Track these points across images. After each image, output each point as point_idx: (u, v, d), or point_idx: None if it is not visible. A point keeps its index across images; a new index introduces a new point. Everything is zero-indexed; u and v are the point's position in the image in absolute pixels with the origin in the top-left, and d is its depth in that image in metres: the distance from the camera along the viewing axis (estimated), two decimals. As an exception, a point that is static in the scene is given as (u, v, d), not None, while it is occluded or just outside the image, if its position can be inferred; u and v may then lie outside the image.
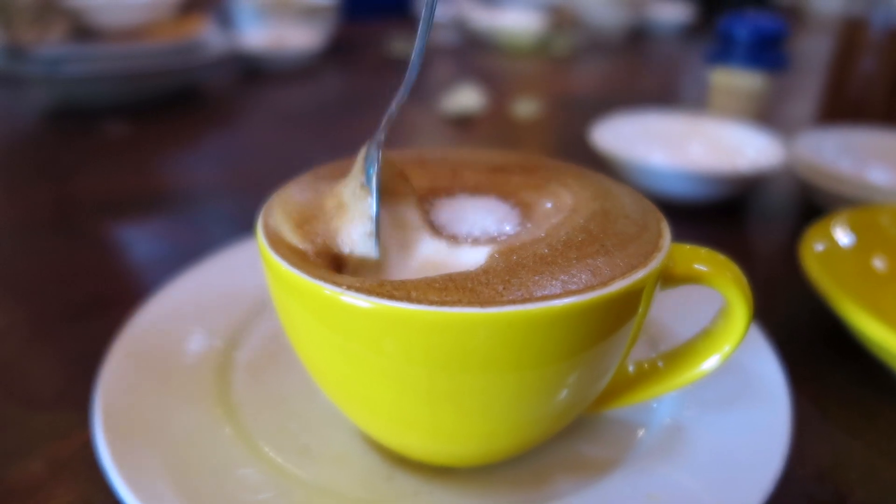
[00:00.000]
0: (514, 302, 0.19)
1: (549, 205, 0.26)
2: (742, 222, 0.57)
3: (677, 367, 0.27)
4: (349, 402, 0.25)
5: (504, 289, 0.20)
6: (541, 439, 0.26)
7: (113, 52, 0.78)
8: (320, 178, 0.27)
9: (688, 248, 0.24)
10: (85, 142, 0.74)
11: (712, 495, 0.24)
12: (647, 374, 0.27)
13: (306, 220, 0.24)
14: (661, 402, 0.29)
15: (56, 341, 0.37)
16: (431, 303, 0.19)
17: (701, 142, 0.65)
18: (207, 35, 0.92)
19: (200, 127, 0.82)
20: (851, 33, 0.71)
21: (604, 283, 0.20)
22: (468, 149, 0.32)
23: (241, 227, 0.43)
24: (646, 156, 0.61)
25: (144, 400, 0.28)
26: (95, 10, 0.82)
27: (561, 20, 1.48)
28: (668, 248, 0.23)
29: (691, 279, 0.24)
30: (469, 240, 0.24)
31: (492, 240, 0.24)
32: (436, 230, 0.25)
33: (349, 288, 0.20)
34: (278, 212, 0.25)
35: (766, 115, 0.75)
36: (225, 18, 1.14)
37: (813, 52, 1.21)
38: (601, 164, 0.59)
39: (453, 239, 0.24)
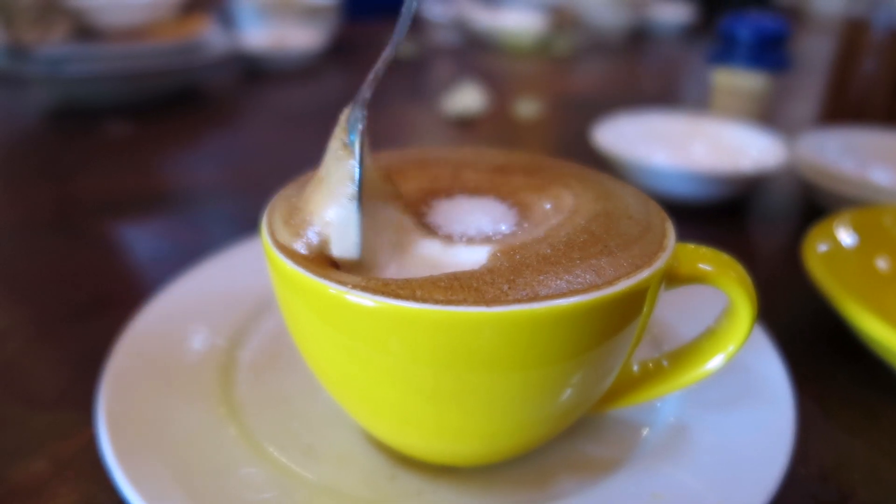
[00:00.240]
0: (519, 301, 0.19)
1: (548, 206, 0.26)
2: (744, 223, 0.57)
3: (681, 366, 0.27)
4: (353, 401, 0.25)
5: (509, 288, 0.20)
6: (545, 439, 0.26)
7: (114, 52, 0.79)
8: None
9: (692, 248, 0.24)
10: (86, 142, 0.74)
11: (716, 495, 0.24)
12: (652, 373, 0.27)
13: (292, 214, 0.23)
14: (665, 401, 0.29)
15: (58, 341, 0.37)
16: (437, 302, 0.19)
17: (703, 142, 0.65)
18: (209, 35, 0.92)
19: (202, 127, 0.82)
20: (853, 34, 0.71)
21: (609, 283, 0.20)
22: (470, 148, 0.32)
23: (243, 226, 0.43)
24: (648, 156, 0.61)
25: (148, 399, 0.28)
26: (97, 10, 0.82)
27: (562, 20, 1.48)
28: (672, 248, 0.23)
29: (696, 279, 0.24)
30: (464, 239, 0.24)
31: (487, 239, 0.24)
32: (430, 230, 0.25)
33: (354, 287, 0.20)
34: (275, 210, 0.25)
35: (768, 115, 0.75)
36: (226, 18, 1.14)
37: (815, 53, 1.21)
38: (603, 165, 0.59)
39: (448, 238, 0.24)
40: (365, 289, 0.20)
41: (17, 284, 0.43)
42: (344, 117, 0.22)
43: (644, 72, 1.36)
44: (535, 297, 0.19)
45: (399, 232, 0.24)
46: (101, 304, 0.40)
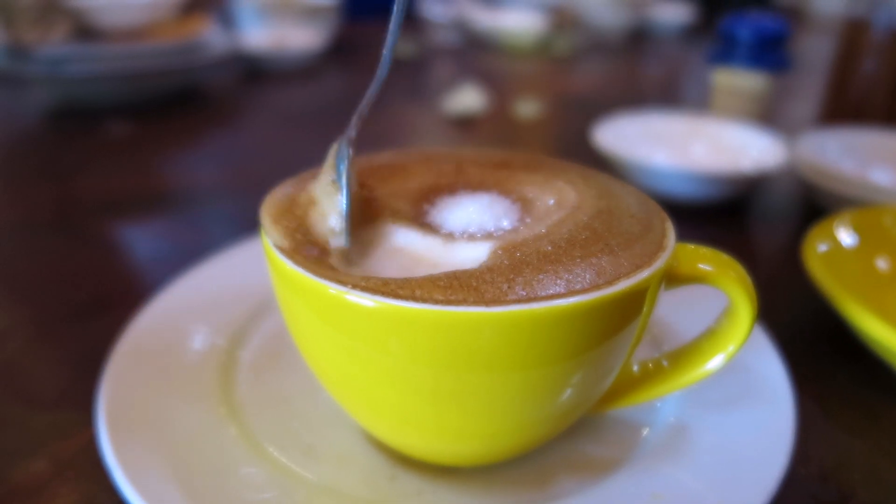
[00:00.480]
0: (518, 301, 0.19)
1: (551, 202, 0.26)
2: (744, 223, 0.57)
3: (682, 366, 0.27)
4: (353, 401, 0.25)
5: (508, 287, 0.20)
6: (545, 439, 0.26)
7: (115, 52, 0.79)
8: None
9: (692, 248, 0.24)
10: (87, 142, 0.74)
11: (716, 495, 0.24)
12: (652, 373, 0.27)
13: (282, 215, 0.24)
14: (665, 401, 0.29)
15: (58, 341, 0.37)
16: (436, 302, 0.19)
17: (703, 142, 0.65)
18: (209, 35, 0.92)
19: (202, 127, 0.82)
20: (853, 34, 0.70)
21: (608, 283, 0.20)
22: (472, 147, 0.32)
23: (243, 227, 0.43)
24: (648, 156, 0.61)
25: (148, 399, 0.28)
26: (97, 10, 0.82)
27: (562, 21, 1.48)
28: (672, 248, 0.23)
29: (696, 279, 0.24)
30: (466, 236, 0.24)
31: (489, 236, 0.24)
32: (429, 227, 0.25)
33: (354, 287, 0.20)
34: (269, 208, 0.25)
35: (768, 115, 0.75)
36: (226, 19, 1.14)
37: (815, 53, 1.21)
38: (603, 165, 0.59)
39: (450, 236, 0.24)
40: (365, 289, 0.20)
41: (17, 284, 0.43)
42: (332, 153, 0.24)
43: (644, 72, 1.36)
44: (535, 297, 0.19)
45: (394, 228, 0.24)
46: (101, 304, 0.40)
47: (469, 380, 0.21)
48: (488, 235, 0.24)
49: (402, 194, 0.27)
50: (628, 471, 0.26)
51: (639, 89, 1.16)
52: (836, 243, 0.41)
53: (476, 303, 0.19)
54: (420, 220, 0.25)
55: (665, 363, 0.27)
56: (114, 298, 0.41)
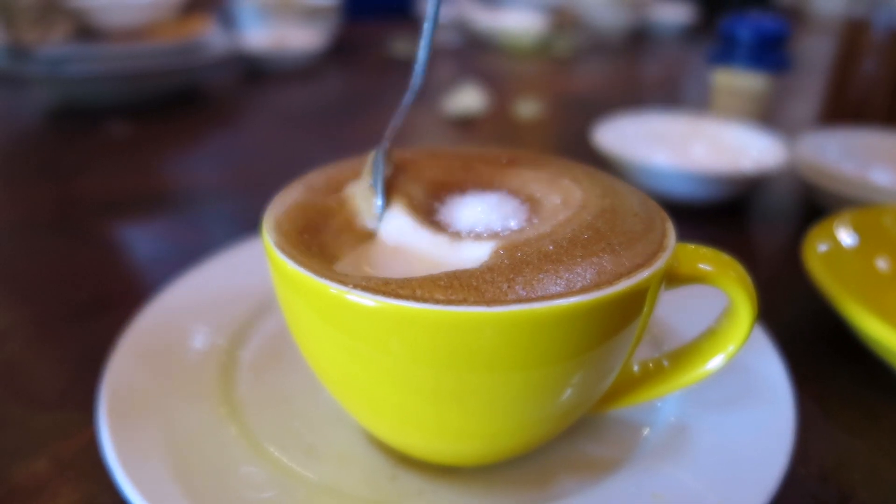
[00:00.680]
0: (518, 301, 0.19)
1: (557, 200, 0.26)
2: (744, 223, 0.57)
3: (682, 366, 0.27)
4: (353, 401, 0.25)
5: (508, 287, 0.20)
6: (545, 439, 0.26)
7: (115, 52, 0.79)
8: (327, 178, 0.27)
9: (692, 248, 0.24)
10: (87, 142, 0.74)
11: (717, 495, 0.24)
12: (652, 373, 0.27)
13: (305, 229, 0.24)
14: (665, 401, 0.29)
15: (59, 341, 0.37)
16: (436, 301, 0.19)
17: (703, 142, 0.65)
18: (209, 35, 0.92)
19: (202, 127, 0.82)
20: (853, 34, 0.71)
21: (609, 283, 0.20)
22: (475, 146, 0.32)
23: (243, 227, 0.43)
24: (648, 156, 0.61)
25: (149, 399, 0.28)
26: (98, 10, 0.82)
27: (562, 21, 1.48)
28: (673, 248, 0.23)
29: (696, 279, 0.24)
30: (472, 235, 0.24)
31: (495, 235, 0.24)
32: (438, 226, 0.25)
33: (355, 286, 0.20)
34: (281, 215, 0.25)
35: (768, 115, 0.75)
36: (227, 19, 1.14)
37: (815, 53, 1.21)
38: (603, 165, 0.59)
39: (456, 235, 0.24)
40: (365, 288, 0.20)
41: (17, 284, 0.43)
42: (370, 161, 0.27)
43: (644, 72, 1.36)
44: (535, 297, 0.19)
45: (405, 226, 0.25)
46: (101, 304, 0.40)
47: (470, 379, 0.21)
48: (495, 235, 0.24)
49: (413, 190, 0.27)
50: (628, 471, 0.26)
51: (639, 89, 1.16)
52: (836, 243, 0.41)
53: (476, 303, 0.19)
54: (430, 218, 0.25)
55: (665, 363, 0.27)
56: (114, 298, 0.41)
